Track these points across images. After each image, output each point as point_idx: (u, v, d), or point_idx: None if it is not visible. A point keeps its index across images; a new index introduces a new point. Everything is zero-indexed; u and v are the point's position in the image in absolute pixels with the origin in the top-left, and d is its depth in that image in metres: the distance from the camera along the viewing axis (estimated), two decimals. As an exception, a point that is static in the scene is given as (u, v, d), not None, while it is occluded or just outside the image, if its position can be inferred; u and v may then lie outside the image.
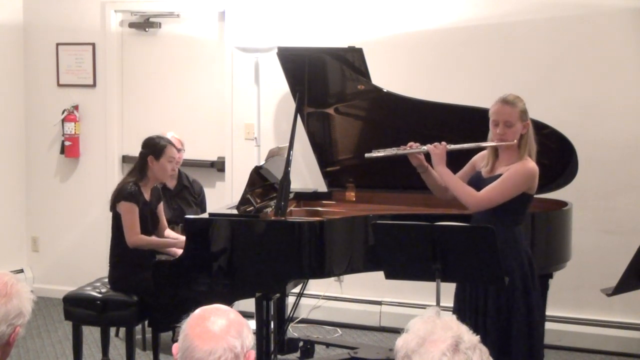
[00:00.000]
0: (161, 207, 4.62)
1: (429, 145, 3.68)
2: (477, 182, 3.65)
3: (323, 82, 4.63)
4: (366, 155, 3.91)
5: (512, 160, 3.60)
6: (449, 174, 3.65)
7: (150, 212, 4.45)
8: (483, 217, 3.58)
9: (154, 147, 4.44)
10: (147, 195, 4.42)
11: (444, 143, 3.67)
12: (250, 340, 1.82)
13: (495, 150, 3.68)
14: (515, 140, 3.58)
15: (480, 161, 3.77)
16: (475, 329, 1.75)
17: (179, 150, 5.13)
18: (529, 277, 3.61)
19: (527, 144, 3.60)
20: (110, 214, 4.45)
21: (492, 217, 3.54)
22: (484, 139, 3.70)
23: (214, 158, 6.05)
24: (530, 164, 3.58)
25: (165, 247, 4.49)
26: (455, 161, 3.76)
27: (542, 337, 3.73)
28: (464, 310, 3.62)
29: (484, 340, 1.71)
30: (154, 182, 4.50)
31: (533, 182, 3.59)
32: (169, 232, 4.67)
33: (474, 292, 3.63)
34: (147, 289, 4.11)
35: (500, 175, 3.58)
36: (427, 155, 3.74)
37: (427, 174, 3.78)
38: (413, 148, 3.72)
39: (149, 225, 4.44)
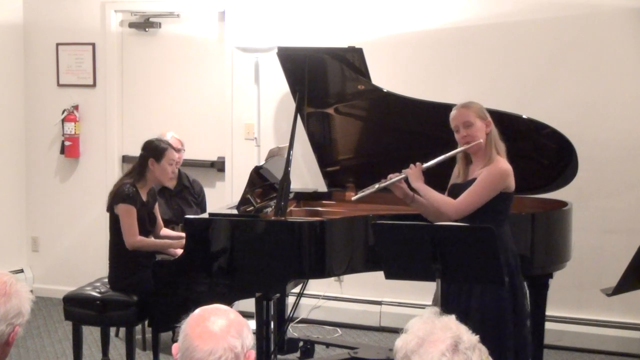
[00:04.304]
0: (156, 206, 4.62)
1: (405, 170, 3.76)
2: (458, 191, 3.68)
3: (323, 82, 4.63)
4: (353, 197, 4.01)
5: (485, 162, 3.64)
6: (427, 189, 3.70)
7: (147, 212, 4.45)
8: (467, 220, 3.59)
9: (155, 150, 4.45)
10: (144, 196, 4.43)
11: (418, 163, 3.74)
12: (250, 340, 1.82)
13: (467, 157, 3.74)
14: (482, 140, 3.62)
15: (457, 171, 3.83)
16: None
17: (178, 150, 5.13)
18: (515, 275, 3.65)
19: (492, 142, 3.64)
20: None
21: (476, 220, 3.56)
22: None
23: (214, 158, 6.05)
24: (503, 164, 3.62)
25: (164, 248, 4.49)
26: (437, 178, 3.80)
27: (528, 335, 3.73)
28: (447, 308, 3.61)
29: None
30: (152, 184, 4.52)
31: (508, 181, 3.62)
32: (165, 231, 4.67)
33: (457, 288, 3.62)
34: (147, 289, 4.11)
35: (476, 179, 3.62)
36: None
37: (415, 203, 3.84)
38: (393, 178, 3.78)
39: (147, 225, 4.44)
